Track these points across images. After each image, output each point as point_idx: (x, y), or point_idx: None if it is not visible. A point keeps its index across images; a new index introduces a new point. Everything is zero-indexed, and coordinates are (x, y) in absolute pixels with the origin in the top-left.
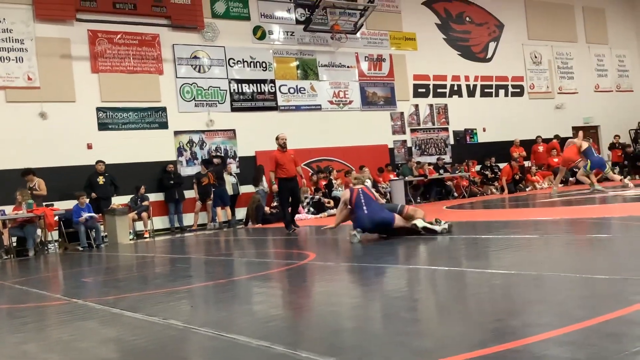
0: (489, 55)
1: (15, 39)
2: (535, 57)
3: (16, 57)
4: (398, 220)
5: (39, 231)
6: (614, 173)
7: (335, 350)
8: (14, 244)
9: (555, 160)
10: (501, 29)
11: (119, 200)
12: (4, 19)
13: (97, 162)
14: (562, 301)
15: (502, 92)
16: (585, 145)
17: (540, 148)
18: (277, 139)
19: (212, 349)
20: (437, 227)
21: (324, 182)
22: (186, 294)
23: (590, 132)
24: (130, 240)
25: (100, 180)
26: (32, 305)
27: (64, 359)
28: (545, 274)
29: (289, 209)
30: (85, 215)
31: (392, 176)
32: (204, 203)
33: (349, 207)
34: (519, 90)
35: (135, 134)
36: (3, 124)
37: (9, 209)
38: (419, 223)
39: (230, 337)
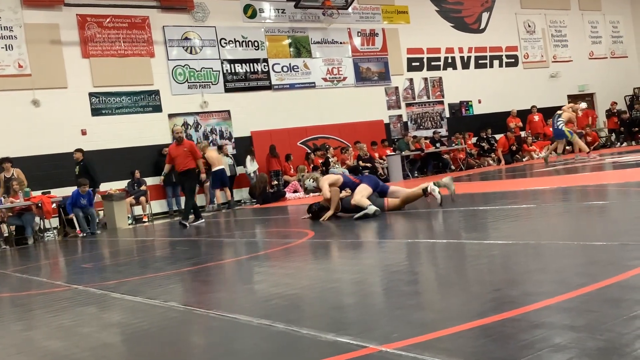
0: (482, 26)
1: (4, 27)
2: (529, 26)
3: (5, 45)
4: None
5: (37, 219)
6: (580, 141)
7: (336, 325)
8: (13, 233)
9: (551, 129)
10: None
11: (116, 186)
12: None
13: (75, 150)
14: (560, 269)
15: (496, 62)
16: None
17: (536, 117)
18: (172, 132)
19: (214, 329)
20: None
21: (320, 160)
22: (186, 276)
23: (586, 99)
24: (129, 225)
25: (77, 169)
26: (33, 293)
27: (67, 345)
28: (544, 243)
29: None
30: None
31: (388, 151)
32: (201, 186)
33: (347, 189)
34: (513, 60)
35: (129, 118)
36: None
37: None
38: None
39: (231, 317)
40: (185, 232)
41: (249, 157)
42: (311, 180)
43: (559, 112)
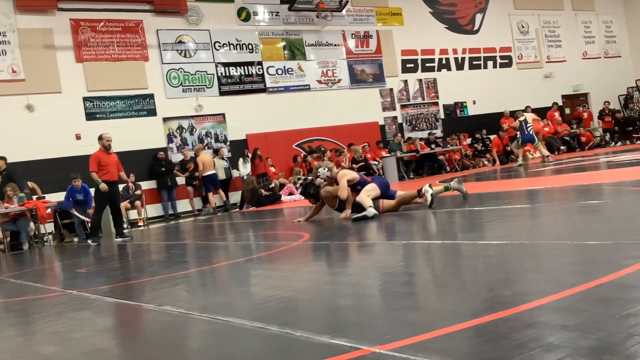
0: (476, 27)
1: None
2: (523, 26)
3: None
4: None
5: (32, 224)
6: (544, 147)
7: (330, 327)
8: (8, 238)
9: (547, 129)
10: None
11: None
12: None
13: None
14: (554, 268)
15: (490, 63)
16: (520, 120)
17: None
18: (100, 138)
19: (208, 333)
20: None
21: (316, 162)
22: (181, 280)
23: (580, 99)
24: (125, 229)
25: None
26: (27, 298)
27: (60, 350)
28: (538, 243)
29: (111, 216)
30: (74, 210)
31: (383, 153)
32: (195, 189)
33: (358, 187)
34: (507, 61)
35: (123, 122)
36: None
37: None
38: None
39: (225, 320)
40: (180, 236)
41: (241, 160)
42: (326, 169)
43: (522, 118)
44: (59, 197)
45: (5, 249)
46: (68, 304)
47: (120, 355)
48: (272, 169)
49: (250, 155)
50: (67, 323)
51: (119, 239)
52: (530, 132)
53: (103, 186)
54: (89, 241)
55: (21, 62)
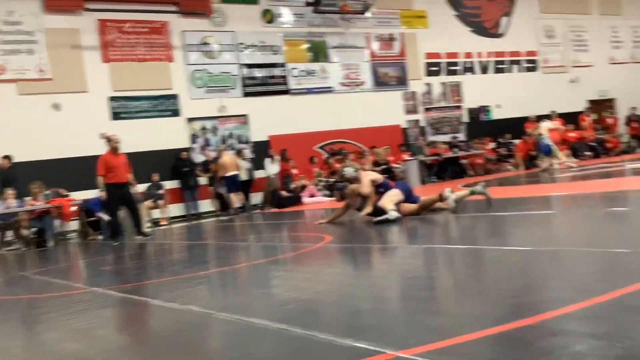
0: (501, 31)
1: (26, 32)
2: (549, 30)
3: (27, 50)
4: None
5: (57, 222)
6: (564, 156)
7: (353, 331)
8: (33, 236)
9: (572, 135)
10: (513, 3)
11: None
12: (14, 11)
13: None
14: (580, 276)
15: (515, 67)
16: (536, 135)
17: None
18: (108, 140)
19: (231, 333)
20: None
21: (337, 165)
22: (203, 280)
23: (607, 104)
24: (147, 228)
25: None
26: (51, 295)
27: (83, 347)
28: (563, 249)
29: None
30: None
31: (406, 156)
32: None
33: (381, 190)
34: (532, 65)
35: (148, 122)
36: (17, 117)
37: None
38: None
39: (248, 321)
40: (202, 236)
41: (268, 160)
42: (353, 169)
43: (539, 131)
44: (84, 195)
45: (31, 246)
46: (92, 302)
47: (143, 353)
48: (294, 171)
49: (276, 156)
50: (91, 320)
51: (140, 237)
52: (546, 143)
53: (102, 194)
54: (112, 241)
55: (48, 62)
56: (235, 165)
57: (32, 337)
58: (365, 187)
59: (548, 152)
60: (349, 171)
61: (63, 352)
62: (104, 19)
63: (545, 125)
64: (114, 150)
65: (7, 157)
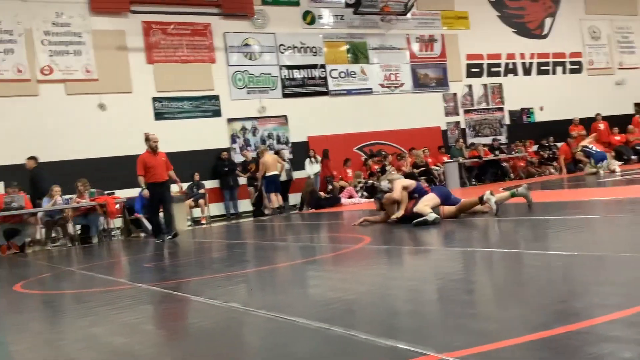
0: (545, 32)
1: (73, 33)
2: (594, 32)
3: (74, 51)
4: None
5: (102, 219)
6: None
7: (393, 332)
8: (78, 232)
9: (617, 138)
10: (557, 4)
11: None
12: (62, 13)
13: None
14: (627, 282)
15: (559, 69)
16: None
17: (601, 126)
18: (147, 139)
19: (273, 331)
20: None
21: (376, 167)
22: (243, 278)
23: None
24: (188, 227)
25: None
26: (97, 290)
27: (130, 342)
28: (609, 255)
29: (162, 214)
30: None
31: (445, 158)
32: (256, 190)
33: (415, 195)
34: (577, 66)
35: (189, 122)
36: (64, 116)
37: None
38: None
39: (289, 319)
40: (241, 235)
41: (308, 160)
42: (387, 181)
43: (579, 149)
44: (127, 193)
45: (76, 242)
46: (137, 297)
47: (187, 348)
48: (335, 172)
49: (317, 156)
50: (137, 315)
51: (168, 237)
52: (598, 151)
53: (145, 192)
54: (155, 239)
55: (94, 63)
56: (276, 165)
57: (79, 330)
58: (396, 193)
59: (603, 159)
60: (384, 184)
61: (111, 346)
62: (148, 21)
63: (585, 142)
64: (152, 149)
65: (32, 158)
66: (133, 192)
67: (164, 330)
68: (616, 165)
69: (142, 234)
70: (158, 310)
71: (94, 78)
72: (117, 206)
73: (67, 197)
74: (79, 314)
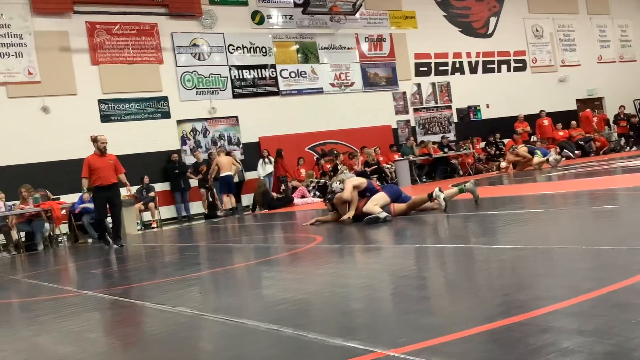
0: (490, 31)
1: (14, 34)
2: (537, 30)
3: (16, 53)
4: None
5: (47, 225)
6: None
7: (344, 330)
8: (23, 239)
9: (561, 134)
10: (501, 3)
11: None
12: (2, 14)
13: None
14: (569, 273)
15: (504, 67)
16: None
17: (545, 122)
18: (95, 141)
19: (222, 334)
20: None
21: (329, 166)
22: (195, 282)
23: (595, 103)
24: (138, 230)
25: None
26: (42, 299)
27: (75, 350)
28: (553, 247)
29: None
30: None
31: (396, 156)
32: (208, 191)
33: (367, 194)
34: (521, 64)
35: (138, 124)
36: (6, 120)
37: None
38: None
39: (239, 322)
40: (193, 237)
41: (261, 161)
42: (339, 182)
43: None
44: (72, 198)
45: (21, 250)
46: (83, 305)
47: (135, 355)
48: (288, 171)
49: (270, 157)
50: (82, 323)
51: (114, 245)
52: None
53: (86, 196)
54: (103, 245)
55: (37, 64)
56: (230, 166)
57: (22, 340)
58: (347, 193)
59: (546, 155)
60: (336, 186)
61: (55, 355)
62: (92, 22)
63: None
64: (100, 151)
65: None
66: (77, 198)
67: (111, 337)
68: (560, 159)
69: (90, 240)
70: (105, 317)
71: (37, 80)
72: (63, 212)
73: (10, 203)
74: (22, 324)
